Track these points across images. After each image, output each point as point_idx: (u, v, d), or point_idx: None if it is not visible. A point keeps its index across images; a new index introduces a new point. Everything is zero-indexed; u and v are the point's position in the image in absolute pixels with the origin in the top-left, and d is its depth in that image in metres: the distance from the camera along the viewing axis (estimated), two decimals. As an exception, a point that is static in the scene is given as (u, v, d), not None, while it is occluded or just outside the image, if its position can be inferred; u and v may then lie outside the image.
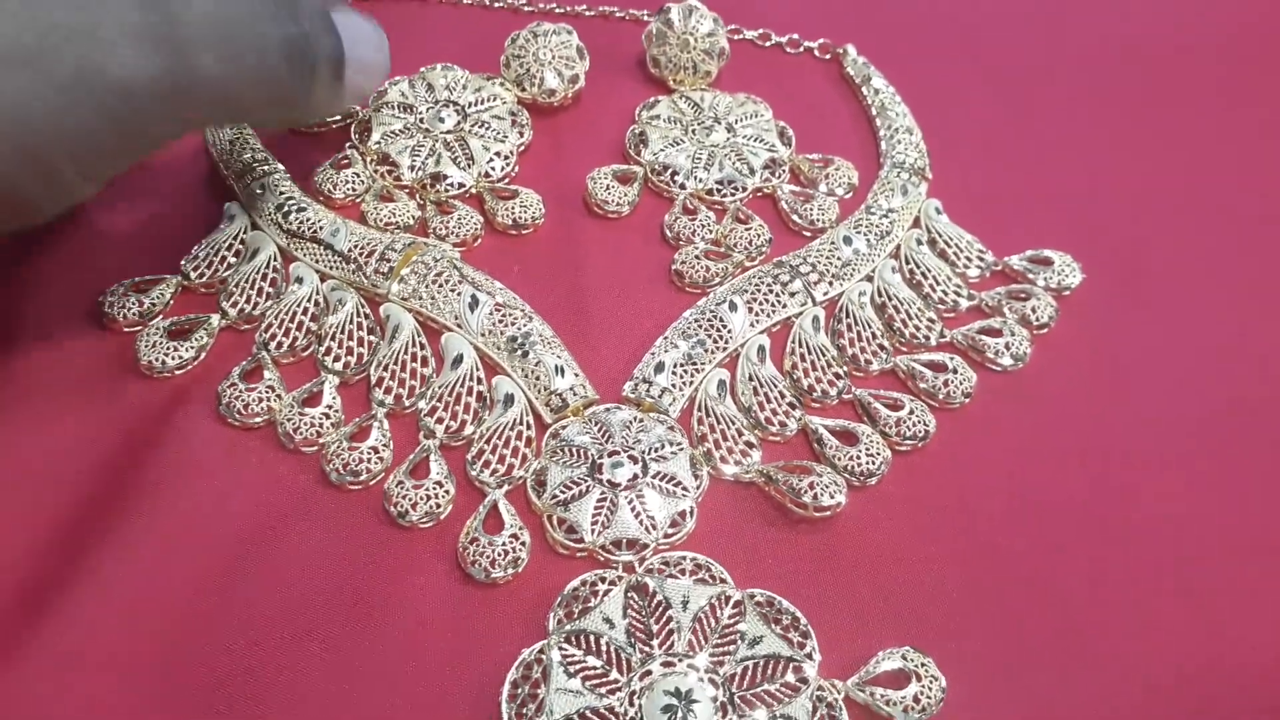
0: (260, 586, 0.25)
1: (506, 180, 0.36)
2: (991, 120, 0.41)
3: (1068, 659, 0.25)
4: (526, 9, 0.44)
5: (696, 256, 0.34)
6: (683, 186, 0.36)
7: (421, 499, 0.26)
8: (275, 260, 0.32)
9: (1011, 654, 0.25)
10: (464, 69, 0.38)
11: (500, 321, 0.30)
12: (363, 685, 0.23)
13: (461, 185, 0.35)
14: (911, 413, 0.29)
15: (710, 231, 0.35)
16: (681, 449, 0.27)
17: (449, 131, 0.36)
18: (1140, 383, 0.32)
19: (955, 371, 0.31)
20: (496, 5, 0.44)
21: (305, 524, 0.26)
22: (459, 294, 0.30)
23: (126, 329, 0.30)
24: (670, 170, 0.37)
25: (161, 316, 0.31)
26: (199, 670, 0.23)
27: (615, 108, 0.40)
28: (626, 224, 0.36)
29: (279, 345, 0.30)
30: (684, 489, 0.26)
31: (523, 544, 0.26)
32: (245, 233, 0.32)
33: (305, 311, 0.31)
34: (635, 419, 0.28)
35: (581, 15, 0.44)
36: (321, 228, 0.32)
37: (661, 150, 0.37)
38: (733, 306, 0.31)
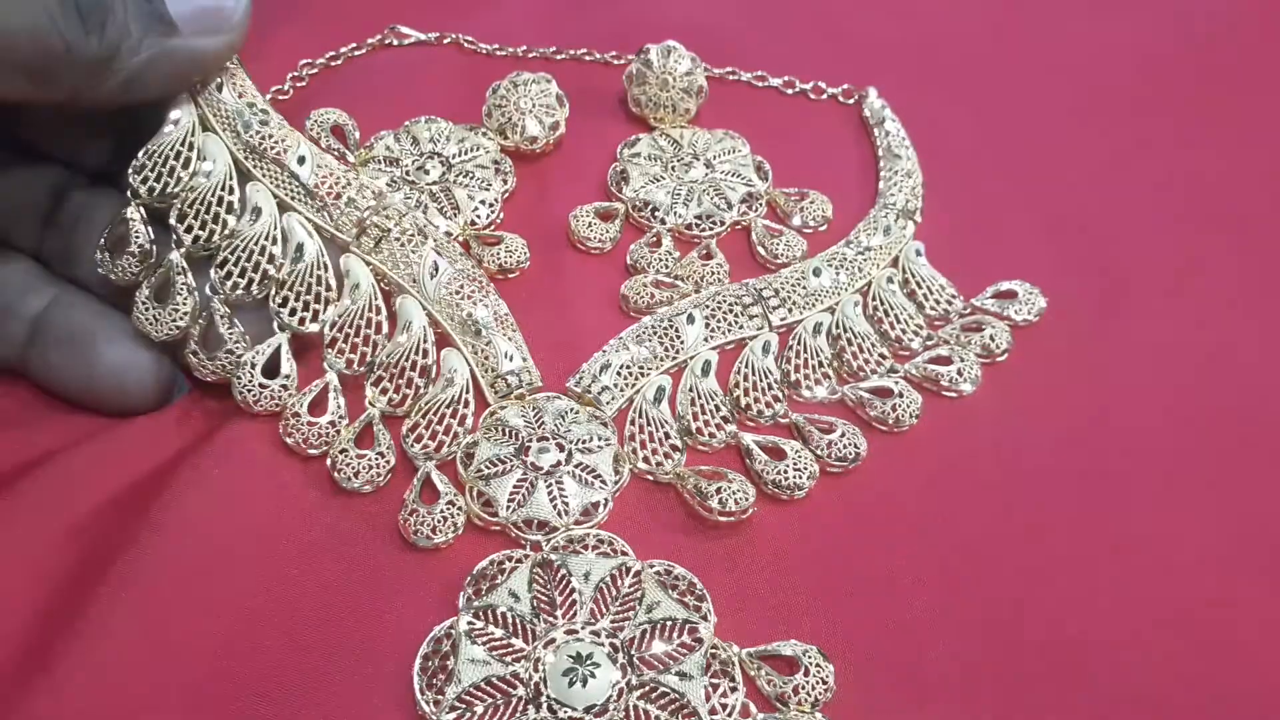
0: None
1: (493, 227, 0.41)
2: (990, 162, 0.46)
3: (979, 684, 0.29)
4: (504, 54, 0.50)
5: (644, 285, 0.39)
6: (663, 221, 0.42)
7: (364, 467, 0.32)
8: (231, 177, 0.34)
9: (912, 667, 0.29)
10: (447, 121, 0.44)
11: (458, 293, 0.34)
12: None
13: (448, 234, 0.41)
14: (843, 435, 0.34)
15: (670, 264, 0.40)
16: (608, 444, 0.33)
17: (434, 182, 0.42)
18: (1100, 403, 0.37)
19: (901, 395, 0.36)
20: (478, 51, 0.50)
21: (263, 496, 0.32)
22: (421, 256, 0.34)
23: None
24: (650, 206, 0.42)
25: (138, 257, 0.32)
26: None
27: (597, 148, 0.45)
28: (610, 259, 0.41)
29: (233, 287, 0.33)
30: (602, 482, 0.32)
31: (459, 509, 0.31)
32: (194, 135, 0.33)
33: (263, 252, 0.33)
34: (571, 410, 0.34)
35: (563, 60, 0.50)
36: (287, 150, 0.34)
37: (642, 187, 0.43)
38: (690, 319, 0.37)
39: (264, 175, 0.34)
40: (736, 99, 0.49)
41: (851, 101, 0.49)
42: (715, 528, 0.32)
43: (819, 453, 0.34)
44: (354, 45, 0.49)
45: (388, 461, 0.32)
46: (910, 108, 0.48)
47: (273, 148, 0.34)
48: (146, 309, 0.32)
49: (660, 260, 0.40)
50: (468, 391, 0.34)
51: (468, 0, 0.52)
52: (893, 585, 0.31)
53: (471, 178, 0.42)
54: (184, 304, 0.32)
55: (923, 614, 0.30)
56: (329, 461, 0.32)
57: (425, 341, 0.34)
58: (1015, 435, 0.35)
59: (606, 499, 0.32)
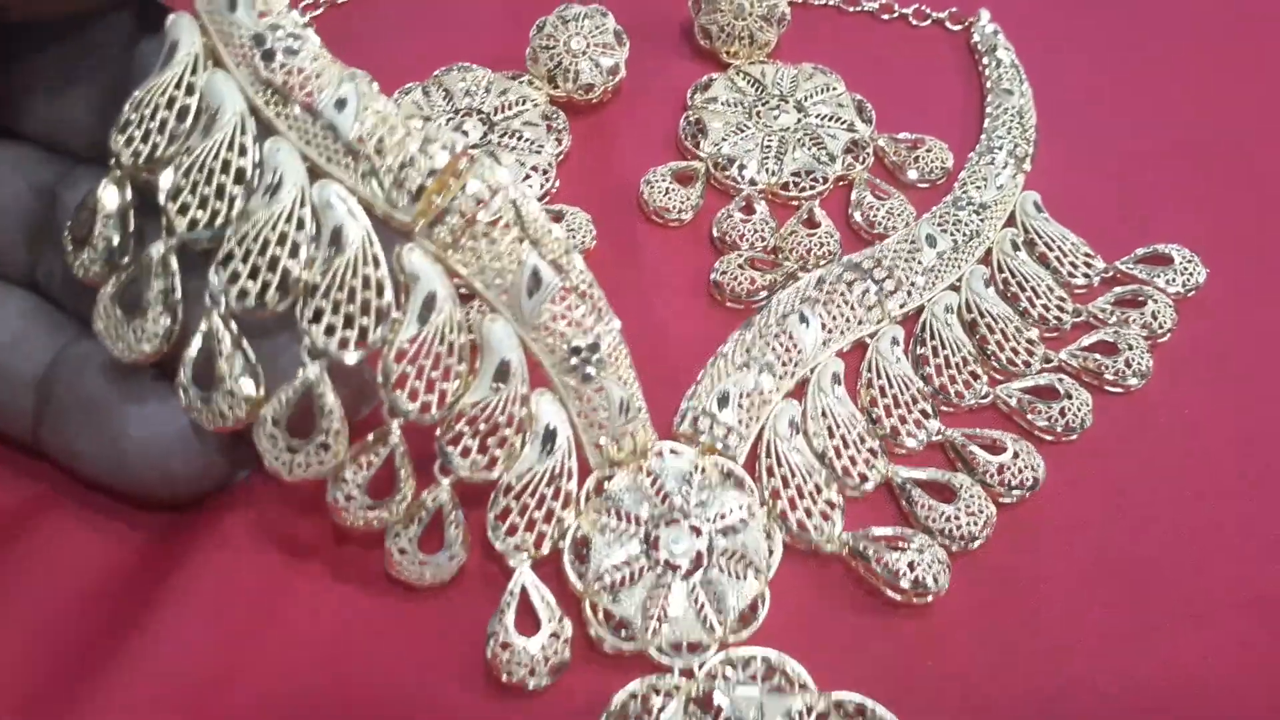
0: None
1: (547, 199, 0.36)
2: (1111, 102, 0.41)
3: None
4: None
5: (739, 265, 0.34)
6: (752, 182, 0.36)
7: (429, 573, 0.25)
8: (244, 129, 0.25)
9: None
10: (484, 68, 0.39)
11: (565, 318, 0.25)
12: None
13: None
14: (1016, 456, 0.29)
15: (767, 235, 0.35)
16: (753, 516, 0.27)
17: (475, 145, 0.36)
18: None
19: (1069, 397, 0.31)
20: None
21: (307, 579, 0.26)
22: (518, 260, 0.25)
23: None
24: (736, 163, 0.37)
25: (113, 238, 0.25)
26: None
27: (663, 92, 0.40)
28: (692, 231, 0.36)
29: (241, 294, 0.24)
30: (755, 570, 0.26)
31: (565, 642, 0.25)
32: (196, 73, 0.25)
33: (284, 241, 0.24)
34: (695, 469, 0.27)
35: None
36: (322, 89, 0.25)
37: (723, 140, 0.37)
38: (803, 319, 0.31)
39: (290, 127, 0.25)
40: (823, 26, 0.43)
41: (960, 28, 0.43)
42: (897, 607, 0.27)
43: (988, 480, 0.29)
44: (363, -24, 0.43)
45: (459, 562, 0.26)
46: (1027, 35, 0.42)
47: (301, 86, 0.24)
48: (109, 314, 0.25)
49: (754, 231, 0.35)
50: (570, 456, 0.26)
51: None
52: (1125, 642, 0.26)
53: (519, 138, 0.37)
54: (160, 319, 0.24)
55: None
56: (388, 561, 0.26)
57: (522, 385, 0.26)
58: (1201, 436, 0.30)
59: (763, 593, 0.26)
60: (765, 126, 0.38)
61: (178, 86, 0.24)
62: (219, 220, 0.24)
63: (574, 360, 0.26)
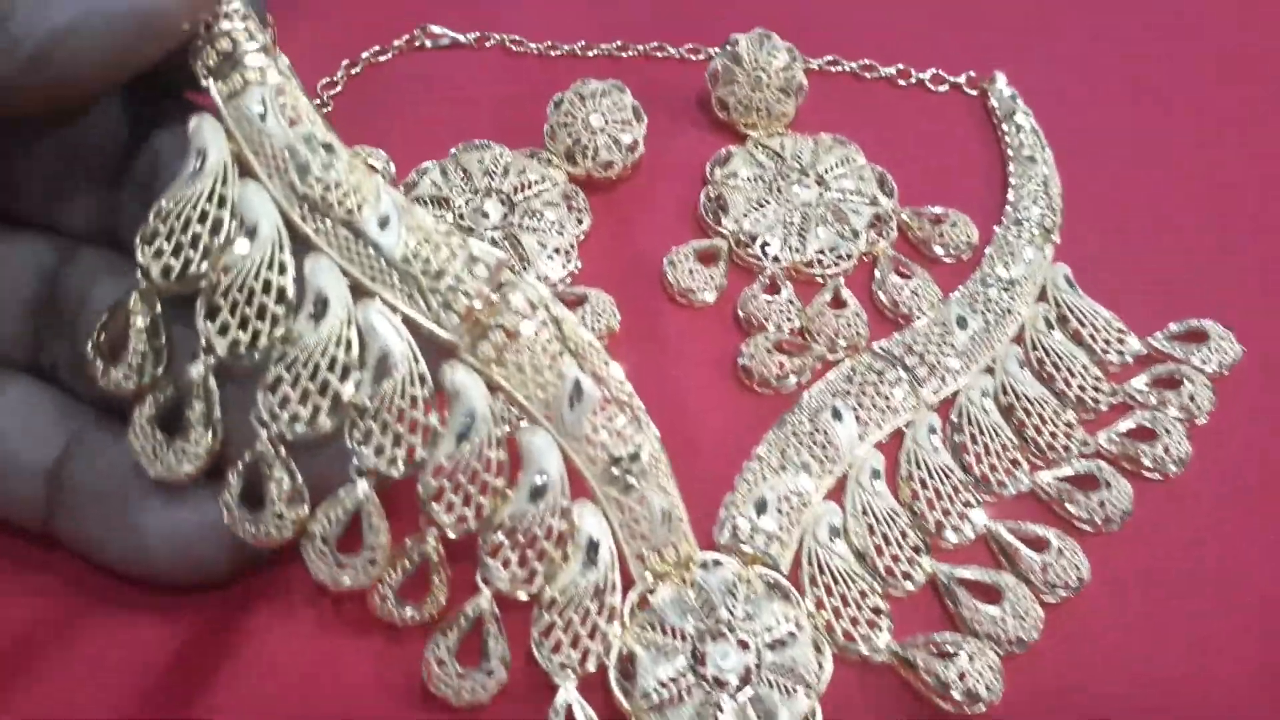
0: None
1: (569, 279, 0.35)
2: (1136, 164, 0.40)
3: None
4: (559, 53, 0.43)
5: (767, 349, 0.33)
6: (775, 259, 0.36)
7: (469, 689, 0.25)
8: (281, 245, 0.24)
9: None
10: (501, 145, 0.38)
11: (605, 429, 0.25)
12: None
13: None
14: (1060, 553, 0.29)
15: (794, 316, 0.34)
16: (801, 629, 0.26)
17: (495, 228, 0.36)
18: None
19: (1109, 486, 0.30)
20: (527, 51, 0.43)
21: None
22: (560, 372, 0.25)
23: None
24: (759, 241, 0.36)
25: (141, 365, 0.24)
26: None
27: (682, 166, 0.40)
28: (717, 312, 0.35)
29: (292, 419, 0.24)
30: (806, 686, 0.25)
31: None
32: (227, 183, 0.24)
33: (334, 365, 0.24)
34: (740, 581, 0.27)
35: (630, 57, 0.43)
36: (362, 205, 0.24)
37: (745, 215, 0.37)
38: (837, 414, 0.31)
39: (329, 243, 0.24)
40: (840, 94, 0.43)
41: (977, 92, 0.43)
42: (950, 716, 0.26)
43: (1032, 578, 0.28)
44: (376, 49, 0.43)
45: (498, 681, 0.25)
46: (1043, 96, 0.42)
47: (341, 202, 0.24)
48: (146, 435, 0.24)
49: (780, 311, 0.34)
50: (613, 569, 0.26)
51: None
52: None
53: (539, 218, 0.36)
54: (202, 440, 0.24)
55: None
56: (426, 672, 0.25)
57: (562, 498, 0.25)
58: (1244, 521, 0.30)
59: (814, 708, 0.25)
60: (787, 202, 0.37)
61: (209, 199, 0.24)
62: (261, 341, 0.24)
63: (615, 470, 0.25)
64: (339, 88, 0.41)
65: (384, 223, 0.24)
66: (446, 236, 0.25)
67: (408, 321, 0.24)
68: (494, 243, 0.36)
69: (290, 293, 0.24)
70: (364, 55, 0.42)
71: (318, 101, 0.40)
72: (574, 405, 0.25)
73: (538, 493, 0.25)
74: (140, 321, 0.24)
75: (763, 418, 0.32)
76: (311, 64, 0.41)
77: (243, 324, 0.24)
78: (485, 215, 0.36)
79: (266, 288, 0.24)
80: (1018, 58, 0.44)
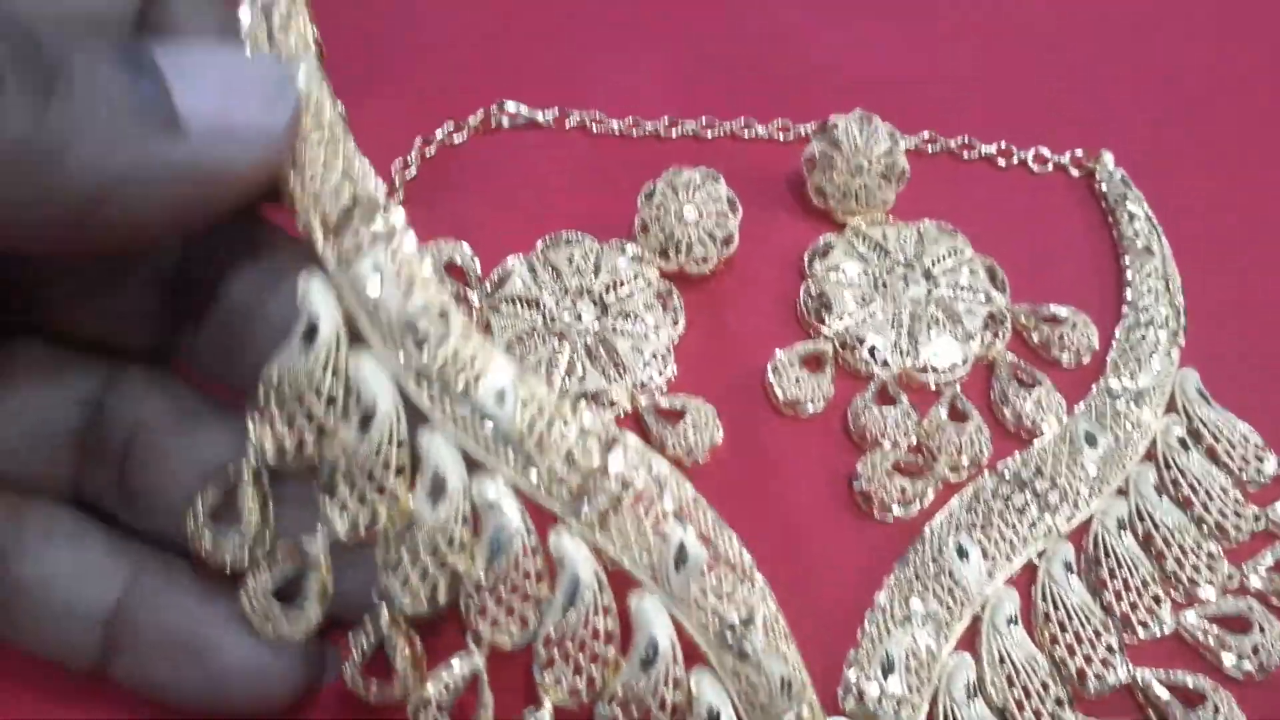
0: None
1: (666, 385, 0.34)
2: (1262, 255, 0.39)
3: None
4: (642, 134, 0.42)
5: (886, 472, 0.32)
6: (885, 364, 0.34)
7: None
8: (399, 418, 0.23)
9: None
10: (589, 236, 0.37)
11: (715, 592, 0.24)
12: None
13: (613, 404, 0.34)
14: (1217, 712, 0.27)
15: (910, 430, 0.33)
16: None
17: (589, 332, 0.35)
18: None
19: (1262, 631, 0.29)
20: (609, 131, 0.42)
21: None
22: (664, 535, 0.24)
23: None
24: (866, 344, 0.35)
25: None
26: None
27: (778, 258, 0.38)
28: (824, 423, 0.34)
29: (414, 597, 0.23)
30: None
31: None
32: (339, 351, 0.23)
33: (452, 542, 0.23)
34: None
35: (715, 138, 0.42)
36: (479, 378, 0.24)
37: (850, 315, 0.36)
38: (962, 552, 0.30)
39: (445, 416, 0.23)
40: (939, 175, 0.41)
41: (1082, 173, 0.41)
42: None
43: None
44: (450, 127, 0.41)
45: None
46: (1155, 175, 0.40)
47: (458, 376, 0.23)
48: (261, 604, 0.24)
49: (896, 426, 0.33)
50: None
51: (582, 62, 0.44)
52: None
53: (634, 319, 0.35)
54: (313, 614, 0.24)
55: None
56: None
57: (675, 664, 0.24)
58: None
59: None
60: (894, 299, 0.36)
61: (324, 371, 0.23)
62: (381, 518, 0.23)
63: (729, 637, 0.24)
64: (413, 171, 0.40)
65: (500, 397, 0.24)
66: (558, 407, 0.24)
67: (519, 492, 0.24)
68: (588, 350, 0.34)
69: (407, 468, 0.24)
70: (438, 135, 0.41)
71: (394, 190, 0.39)
72: (680, 568, 0.24)
73: (648, 661, 0.24)
74: (251, 495, 0.24)
75: (883, 547, 0.31)
76: (383, 143, 0.40)
77: (361, 500, 0.23)
78: (579, 319, 0.35)
79: (385, 465, 0.23)
80: (1126, 134, 0.42)
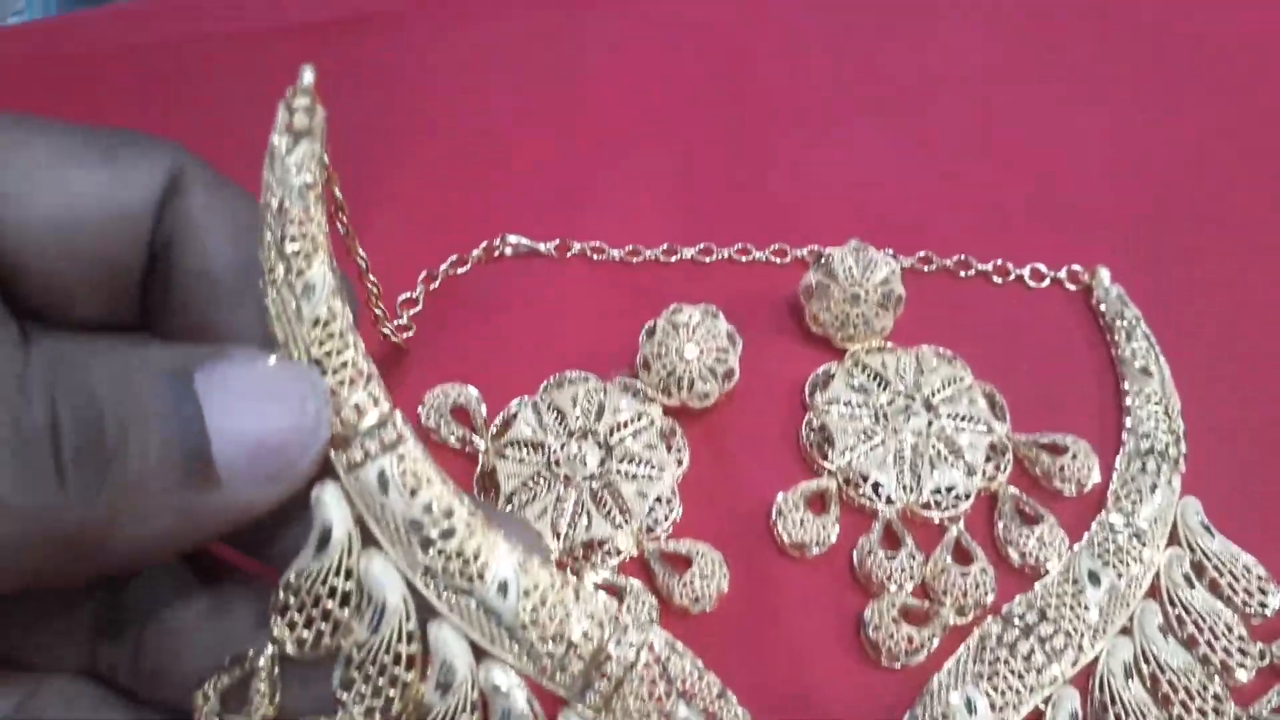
0: None
1: (670, 528, 0.35)
2: (1261, 377, 0.39)
3: None
4: (640, 260, 0.43)
5: (894, 619, 0.32)
6: (889, 501, 0.35)
7: None
8: (408, 614, 0.24)
9: None
10: (592, 375, 0.38)
11: None
12: None
13: (618, 551, 0.34)
14: None
15: (915, 571, 0.34)
16: None
17: (593, 476, 0.35)
18: None
19: (1266, 774, 0.29)
20: (608, 259, 0.43)
21: None
22: (667, 715, 0.25)
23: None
24: (870, 481, 0.36)
25: None
26: None
27: (779, 388, 0.39)
28: (829, 563, 0.35)
29: None
30: None
31: None
32: (352, 553, 0.25)
33: None
34: None
35: (712, 262, 0.43)
36: (483, 572, 0.25)
37: (852, 449, 0.36)
38: (971, 707, 0.30)
39: (450, 608, 0.25)
40: (936, 295, 0.42)
41: (1078, 288, 0.42)
42: None
43: None
44: (454, 259, 0.42)
45: None
46: (1152, 292, 0.41)
47: (462, 572, 0.25)
48: None
49: (901, 569, 0.34)
50: None
51: (581, 193, 0.45)
52: None
53: (638, 462, 0.36)
54: None
55: None
56: None
57: None
58: None
59: None
60: (895, 432, 0.37)
61: (336, 573, 0.24)
62: (395, 708, 0.24)
63: None
64: (419, 306, 0.41)
65: (503, 588, 0.25)
66: (561, 594, 0.25)
67: (523, 676, 0.25)
68: (594, 494, 0.35)
69: (418, 662, 0.24)
70: (443, 268, 0.42)
71: (400, 325, 0.40)
72: None
73: None
74: (263, 685, 0.24)
75: (892, 695, 0.31)
76: (388, 278, 0.41)
77: (375, 692, 0.24)
78: (584, 463, 0.36)
79: (397, 659, 0.24)
80: (1124, 251, 0.43)
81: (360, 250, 0.33)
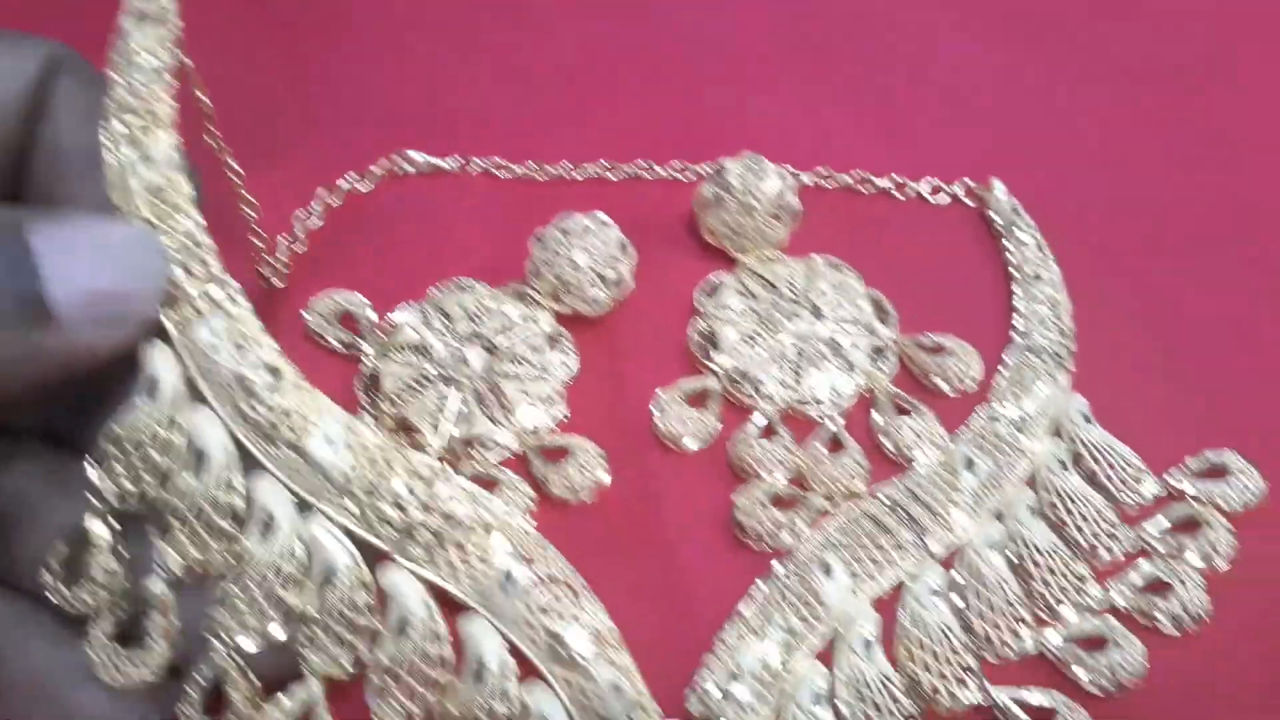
0: None
1: (557, 428, 0.35)
2: (1153, 282, 0.40)
3: None
4: (544, 177, 0.44)
5: (760, 503, 0.33)
6: (769, 399, 0.36)
7: None
8: (232, 468, 0.26)
9: None
10: (482, 283, 0.38)
11: (543, 610, 0.26)
12: None
13: (499, 445, 0.35)
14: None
15: (787, 461, 0.34)
16: None
17: (476, 376, 0.36)
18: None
19: (1119, 646, 0.30)
20: (512, 173, 0.44)
21: None
22: (489, 563, 0.27)
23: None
24: (751, 379, 0.36)
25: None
26: None
27: (671, 297, 0.39)
28: (709, 458, 0.35)
29: (248, 630, 0.25)
30: None
31: None
32: (179, 409, 0.26)
33: (284, 578, 0.25)
34: None
35: (618, 180, 0.44)
36: (308, 428, 0.26)
37: (736, 350, 0.37)
38: (826, 568, 0.31)
39: (276, 464, 0.26)
40: (834, 210, 0.42)
41: (975, 203, 0.43)
42: None
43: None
44: (354, 177, 0.43)
45: None
46: (1048, 203, 0.42)
47: (287, 427, 0.26)
48: (104, 649, 0.25)
49: (772, 458, 0.34)
50: None
51: (480, 109, 0.46)
52: None
53: (524, 364, 0.36)
54: (160, 652, 0.25)
55: None
56: None
57: (505, 679, 0.26)
58: (1266, 681, 0.29)
59: None
60: (778, 334, 0.37)
61: (162, 424, 0.25)
62: (215, 558, 0.25)
63: (559, 649, 0.26)
64: (317, 220, 0.42)
65: (329, 442, 0.26)
66: (385, 450, 0.27)
67: (347, 531, 0.26)
68: (477, 394, 0.36)
69: (241, 513, 0.26)
70: (342, 185, 0.43)
71: (296, 241, 0.40)
72: (506, 590, 0.26)
73: (478, 677, 0.26)
74: (99, 543, 0.25)
75: (758, 572, 0.32)
76: (287, 194, 0.42)
77: (196, 543, 0.25)
78: (466, 364, 0.36)
79: (218, 508, 0.25)
80: (1021, 161, 0.43)
81: (234, 163, 0.34)
